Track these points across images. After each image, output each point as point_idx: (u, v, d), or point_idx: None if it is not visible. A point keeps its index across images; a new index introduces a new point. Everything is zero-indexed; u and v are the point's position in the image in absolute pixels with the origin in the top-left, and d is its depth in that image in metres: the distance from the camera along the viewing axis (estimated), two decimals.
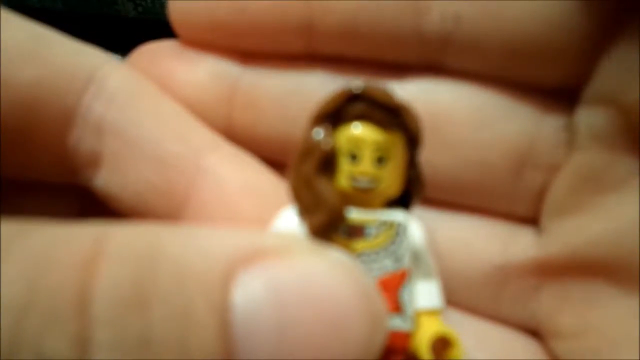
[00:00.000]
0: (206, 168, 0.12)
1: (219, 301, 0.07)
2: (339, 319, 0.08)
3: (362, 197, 0.11)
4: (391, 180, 0.11)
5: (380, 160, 0.10)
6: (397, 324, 0.11)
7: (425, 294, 0.12)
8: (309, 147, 0.10)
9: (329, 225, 0.10)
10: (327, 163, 0.10)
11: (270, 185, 0.13)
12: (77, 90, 0.12)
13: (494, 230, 0.15)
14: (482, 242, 0.15)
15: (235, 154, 0.13)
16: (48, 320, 0.06)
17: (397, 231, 0.11)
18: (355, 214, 0.11)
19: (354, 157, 0.10)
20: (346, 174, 0.10)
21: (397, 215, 0.11)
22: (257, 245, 0.08)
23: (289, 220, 0.11)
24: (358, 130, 0.10)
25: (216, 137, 0.13)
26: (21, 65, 0.11)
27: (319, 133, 0.10)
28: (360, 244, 0.11)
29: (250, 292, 0.07)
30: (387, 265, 0.11)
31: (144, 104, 0.12)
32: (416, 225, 0.11)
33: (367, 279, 0.09)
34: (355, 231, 0.11)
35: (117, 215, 0.13)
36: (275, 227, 0.11)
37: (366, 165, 0.10)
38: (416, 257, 0.11)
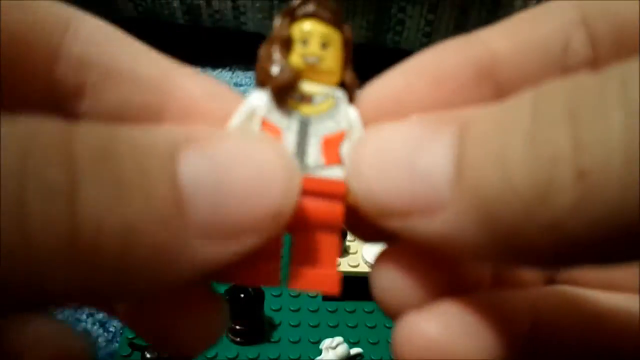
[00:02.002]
0: (175, 85, 0.14)
1: (168, 165, 0.10)
2: (264, 171, 0.10)
3: (311, 73, 0.14)
4: (332, 62, 0.14)
5: (324, 46, 0.14)
6: (338, 173, 0.14)
7: None
8: (272, 34, 0.14)
9: (287, 87, 0.13)
10: (286, 45, 0.14)
11: (230, 93, 0.15)
12: (59, 32, 0.13)
13: None
14: None
15: (197, 72, 0.15)
16: (44, 159, 0.09)
17: (336, 101, 0.14)
18: (305, 85, 0.14)
19: (305, 43, 0.14)
20: (299, 54, 0.14)
21: (336, 91, 0.14)
22: (196, 133, 0.11)
23: (256, 95, 0.14)
24: (308, 23, 0.14)
25: (179, 63, 0.15)
26: (12, 11, 0.13)
27: (279, 24, 0.14)
28: (308, 109, 0.14)
29: (191, 160, 0.10)
30: (330, 126, 0.14)
31: (116, 41, 0.14)
32: (351, 106, 0.14)
33: (282, 146, 0.12)
34: (306, 98, 0.14)
35: None
36: (245, 104, 0.14)
37: (314, 47, 0.14)
38: (350, 125, 0.14)
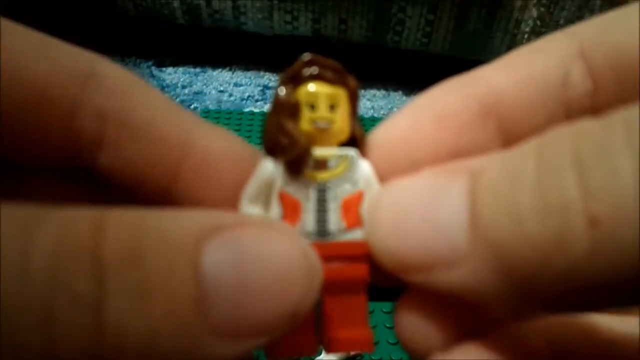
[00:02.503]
0: (193, 142, 0.14)
1: (192, 260, 0.10)
2: (284, 272, 0.10)
3: (322, 137, 0.14)
4: (342, 122, 0.14)
5: (332, 107, 0.13)
6: (360, 235, 0.14)
7: None
8: (278, 103, 0.13)
9: (302, 159, 0.13)
10: (293, 113, 0.13)
11: (247, 150, 0.15)
12: (79, 83, 0.13)
13: None
14: None
15: (217, 129, 0.15)
16: (73, 269, 0.09)
17: (351, 162, 0.14)
18: (318, 151, 0.14)
19: (312, 107, 0.13)
20: (308, 119, 0.13)
21: (349, 150, 0.14)
22: (220, 220, 0.11)
23: (267, 166, 0.14)
24: (314, 86, 0.13)
25: (199, 118, 0.15)
26: (32, 64, 0.13)
27: (284, 91, 0.13)
28: (325, 174, 0.14)
29: (215, 253, 0.10)
30: (347, 188, 0.14)
31: (137, 94, 0.14)
32: (364, 161, 0.14)
33: (305, 241, 0.11)
34: (320, 164, 0.14)
35: (114, 197, 0.15)
36: (257, 175, 0.14)
37: (322, 110, 0.13)
38: (367, 182, 0.14)
